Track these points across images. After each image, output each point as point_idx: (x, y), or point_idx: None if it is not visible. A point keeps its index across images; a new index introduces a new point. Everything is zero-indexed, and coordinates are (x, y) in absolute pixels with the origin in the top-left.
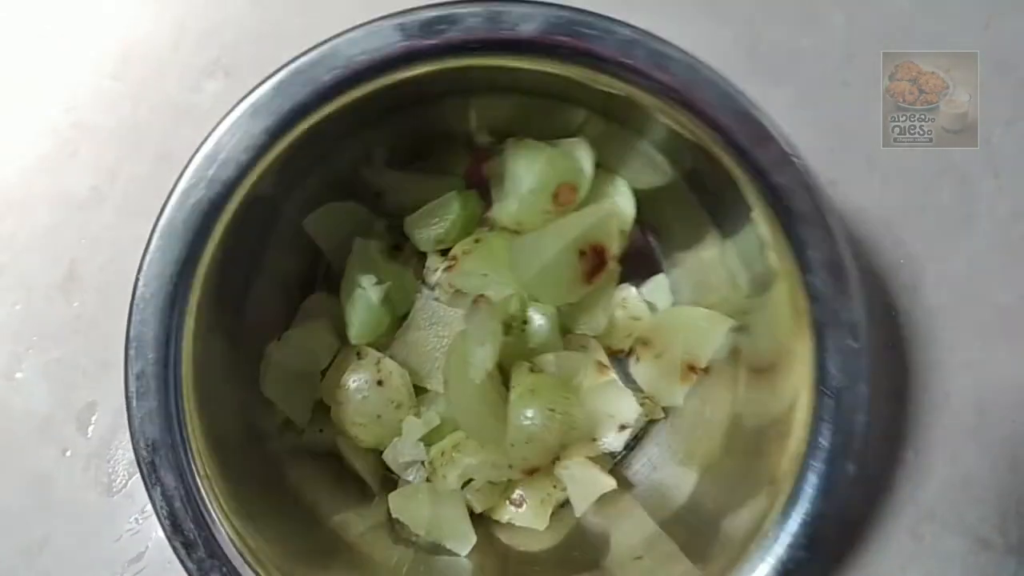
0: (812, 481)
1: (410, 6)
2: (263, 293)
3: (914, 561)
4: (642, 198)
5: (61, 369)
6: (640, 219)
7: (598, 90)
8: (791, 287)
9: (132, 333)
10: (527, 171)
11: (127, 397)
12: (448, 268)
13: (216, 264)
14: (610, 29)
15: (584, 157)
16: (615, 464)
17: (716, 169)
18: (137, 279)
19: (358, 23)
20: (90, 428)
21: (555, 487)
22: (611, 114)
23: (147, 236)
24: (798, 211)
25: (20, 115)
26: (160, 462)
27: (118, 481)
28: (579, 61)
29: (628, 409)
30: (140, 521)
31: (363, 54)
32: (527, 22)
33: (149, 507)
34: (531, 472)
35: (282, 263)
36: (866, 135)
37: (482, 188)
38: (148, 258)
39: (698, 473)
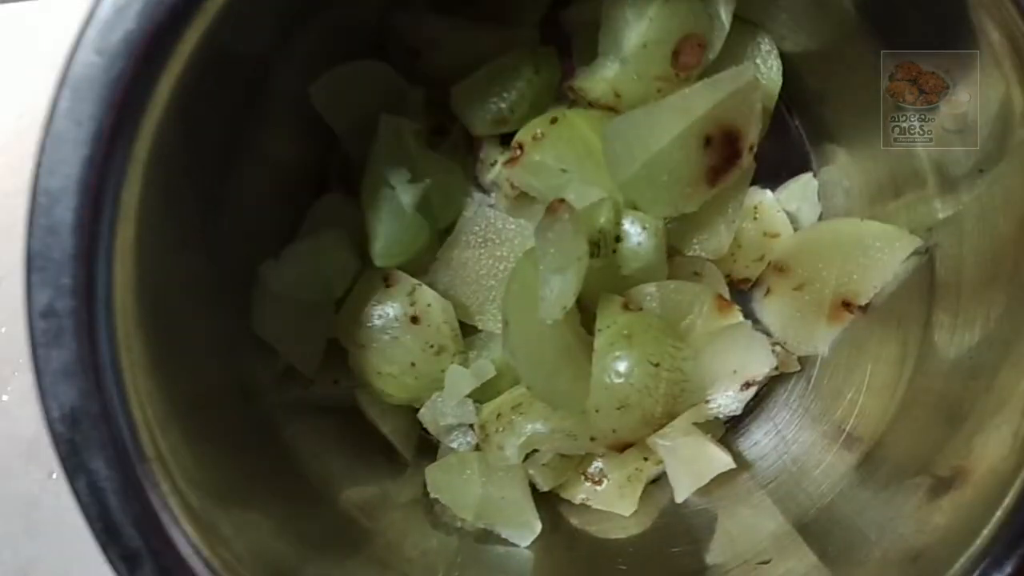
0: None
1: None
2: (253, 191)
3: None
4: (795, 62)
5: None
6: (787, 94)
7: None
8: None
9: (33, 248)
10: (635, 17)
11: (31, 347)
12: (511, 160)
13: (169, 139)
14: None
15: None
16: (728, 432)
17: None
18: (38, 163)
19: None
20: None
21: (647, 459)
22: None
23: None
24: None
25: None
26: (83, 440)
27: None
28: None
29: (760, 361)
30: None
31: None
32: None
33: None
34: (622, 449)
35: (279, 149)
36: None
37: (562, 45)
38: (53, 128)
39: (850, 452)
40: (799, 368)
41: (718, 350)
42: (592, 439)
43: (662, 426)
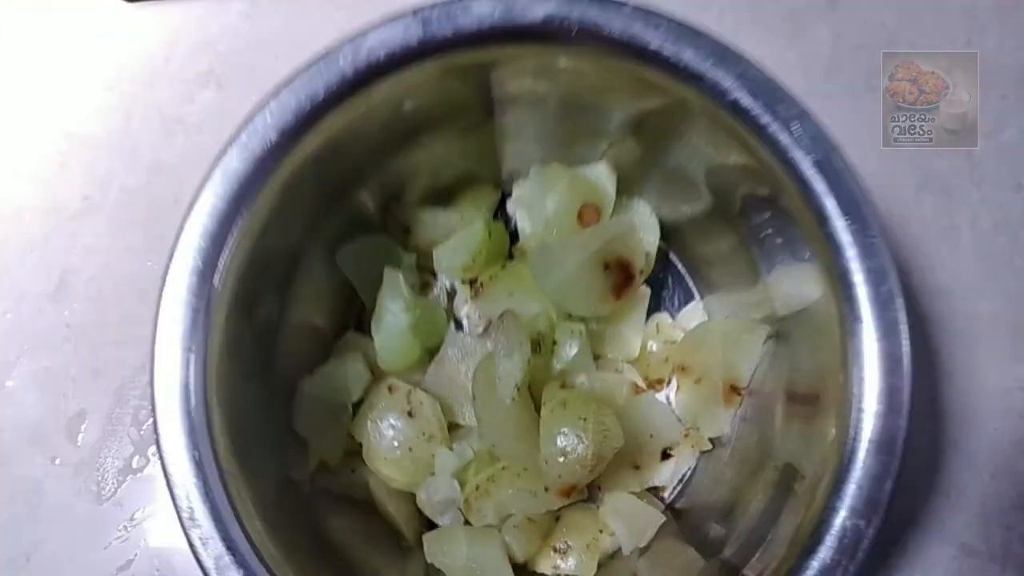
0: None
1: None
2: (295, 335)
3: (898, 569)
4: (671, 227)
5: (51, 378)
6: (671, 248)
7: (623, 108)
8: (830, 300)
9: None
10: (551, 192)
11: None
12: (474, 296)
13: (234, 309)
14: (617, 8)
15: (607, 179)
16: (670, 504)
17: (749, 181)
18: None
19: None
20: (80, 436)
21: (602, 531)
22: (639, 134)
23: (138, 246)
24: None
25: (13, 126)
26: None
27: (107, 489)
28: (587, 41)
29: (669, 427)
30: (129, 529)
31: (381, 46)
32: (537, 5)
33: (138, 515)
34: (568, 492)
35: (313, 303)
36: (858, 144)
37: (508, 219)
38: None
39: (746, 501)
40: (711, 447)
41: (634, 416)
42: (546, 489)
43: (596, 468)
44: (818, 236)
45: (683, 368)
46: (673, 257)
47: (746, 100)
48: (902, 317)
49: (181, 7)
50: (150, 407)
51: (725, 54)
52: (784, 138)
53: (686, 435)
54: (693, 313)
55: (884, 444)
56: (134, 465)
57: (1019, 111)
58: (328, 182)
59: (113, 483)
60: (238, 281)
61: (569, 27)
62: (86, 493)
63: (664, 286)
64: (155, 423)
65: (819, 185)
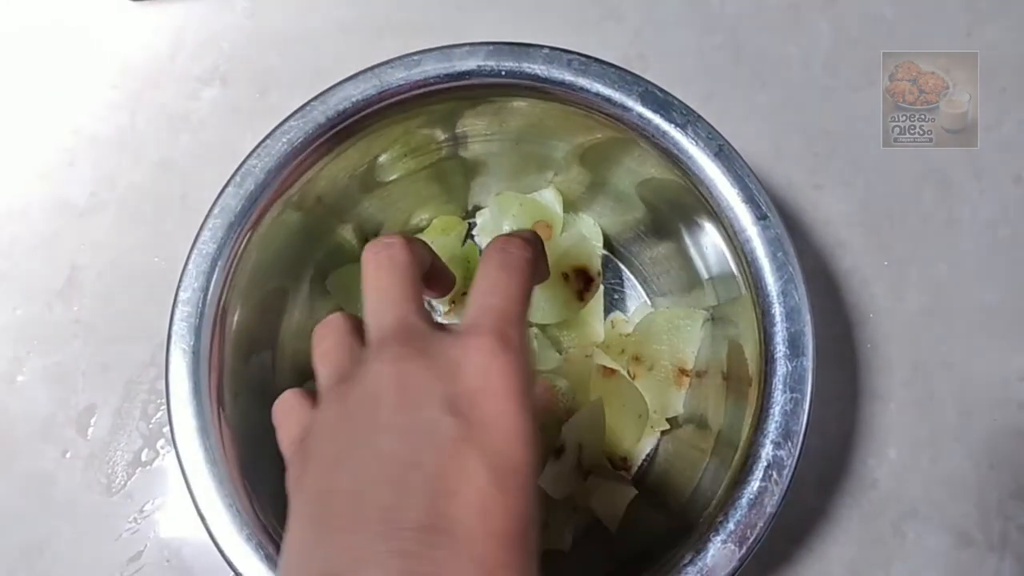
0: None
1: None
2: (291, 360)
3: (897, 558)
4: (617, 238)
5: (61, 372)
6: (619, 257)
7: (566, 141)
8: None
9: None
10: (506, 217)
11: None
12: (448, 311)
13: (234, 341)
14: (536, 51)
15: (554, 200)
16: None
17: (672, 190)
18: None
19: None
20: (89, 430)
21: (575, 510)
22: (583, 162)
23: (146, 242)
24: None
25: (20, 124)
26: None
27: (117, 481)
28: (514, 80)
29: (638, 400)
30: (139, 521)
31: (347, 98)
32: (471, 58)
33: (148, 507)
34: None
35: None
36: (858, 137)
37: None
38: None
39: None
40: (668, 427)
41: (611, 392)
42: None
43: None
44: (721, 220)
45: (637, 358)
46: (621, 266)
47: (647, 112)
48: (797, 274)
49: (186, 5)
50: (159, 402)
51: (627, 78)
52: (681, 139)
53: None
54: (643, 311)
55: (793, 383)
56: (143, 458)
57: (1019, 103)
58: (312, 221)
59: (123, 475)
60: (239, 321)
61: (498, 70)
62: (96, 486)
63: (616, 292)
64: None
65: (715, 174)
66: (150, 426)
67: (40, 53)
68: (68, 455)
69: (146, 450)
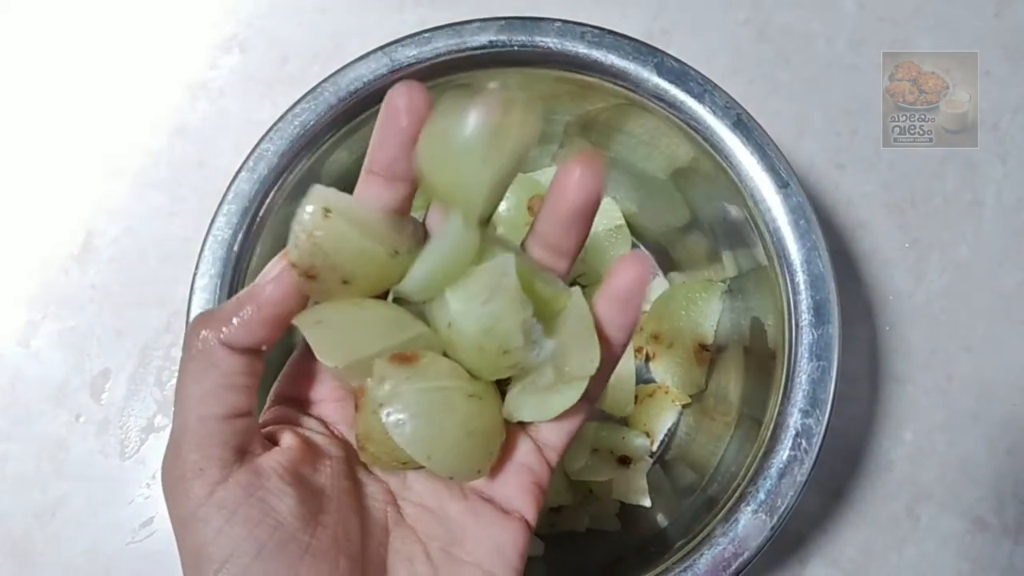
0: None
1: None
2: None
3: (910, 541)
4: (629, 214)
5: (76, 337)
6: (633, 233)
7: (570, 112)
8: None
9: None
10: (505, 197)
11: None
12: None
13: None
14: (548, 24)
15: (548, 177)
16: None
17: (685, 159)
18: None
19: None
20: (103, 395)
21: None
22: (587, 133)
23: (162, 208)
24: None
25: (36, 92)
26: None
27: (130, 447)
28: (527, 55)
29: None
30: (151, 486)
31: (359, 78)
32: (482, 33)
33: (160, 472)
34: None
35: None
36: (873, 123)
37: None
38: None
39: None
40: (690, 401)
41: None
42: None
43: None
44: (741, 189)
45: (656, 336)
46: (636, 241)
47: (663, 83)
48: (820, 241)
49: None
50: (173, 368)
51: (642, 50)
52: (699, 109)
53: (666, 392)
54: (658, 286)
55: (819, 351)
56: (156, 424)
57: None
58: None
59: (136, 441)
60: None
61: (511, 45)
62: (110, 451)
63: None
64: None
65: (734, 144)
66: (164, 392)
67: (56, 23)
68: (82, 420)
69: (159, 416)
